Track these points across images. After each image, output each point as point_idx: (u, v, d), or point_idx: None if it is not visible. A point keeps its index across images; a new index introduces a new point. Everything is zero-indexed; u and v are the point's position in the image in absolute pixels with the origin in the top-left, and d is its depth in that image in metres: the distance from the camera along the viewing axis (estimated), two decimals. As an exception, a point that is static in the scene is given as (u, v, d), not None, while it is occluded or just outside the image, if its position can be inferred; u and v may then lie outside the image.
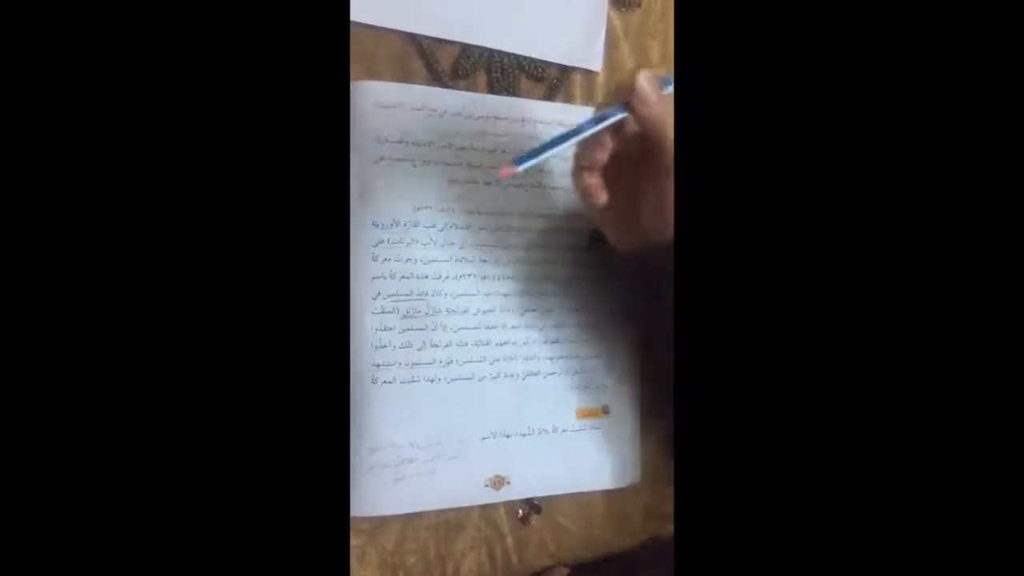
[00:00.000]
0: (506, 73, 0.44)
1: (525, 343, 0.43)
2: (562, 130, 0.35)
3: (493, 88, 0.43)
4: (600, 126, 0.34)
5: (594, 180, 0.35)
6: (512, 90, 0.44)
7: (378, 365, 0.39)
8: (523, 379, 0.43)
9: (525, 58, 0.44)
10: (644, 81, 0.33)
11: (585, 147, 0.35)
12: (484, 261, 0.42)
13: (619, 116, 0.34)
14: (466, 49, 0.43)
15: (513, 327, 0.43)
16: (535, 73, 0.45)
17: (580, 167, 0.36)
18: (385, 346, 0.39)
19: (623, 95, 0.34)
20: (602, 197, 0.35)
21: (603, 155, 0.35)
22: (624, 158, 0.36)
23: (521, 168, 0.34)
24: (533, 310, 0.43)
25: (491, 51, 0.43)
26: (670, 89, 0.34)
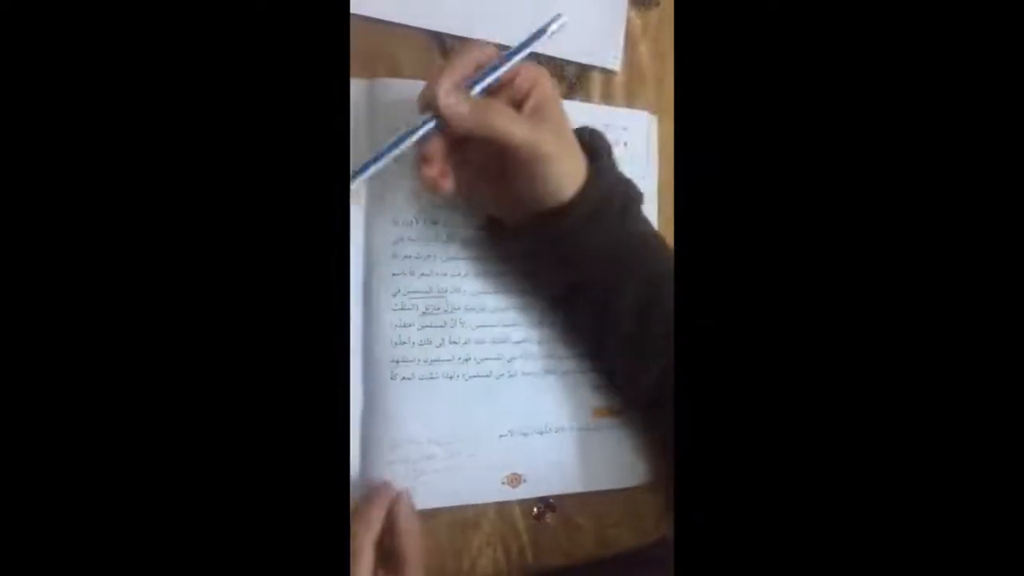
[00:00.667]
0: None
1: (543, 341, 0.43)
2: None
3: (513, 86, 0.44)
4: (407, 142, 0.32)
5: (432, 171, 0.33)
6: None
7: (397, 362, 0.39)
8: (541, 377, 0.43)
9: (544, 56, 0.44)
10: (445, 98, 0.31)
11: (420, 141, 0.34)
12: (502, 259, 0.42)
13: (427, 128, 0.33)
14: (487, 47, 0.43)
15: (531, 325, 0.43)
16: (554, 72, 0.44)
17: (418, 160, 0.34)
18: (404, 343, 0.39)
19: (428, 107, 0.32)
20: (445, 186, 0.34)
21: (436, 147, 0.33)
22: (471, 141, 0.35)
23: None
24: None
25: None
26: (482, 85, 0.33)
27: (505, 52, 0.34)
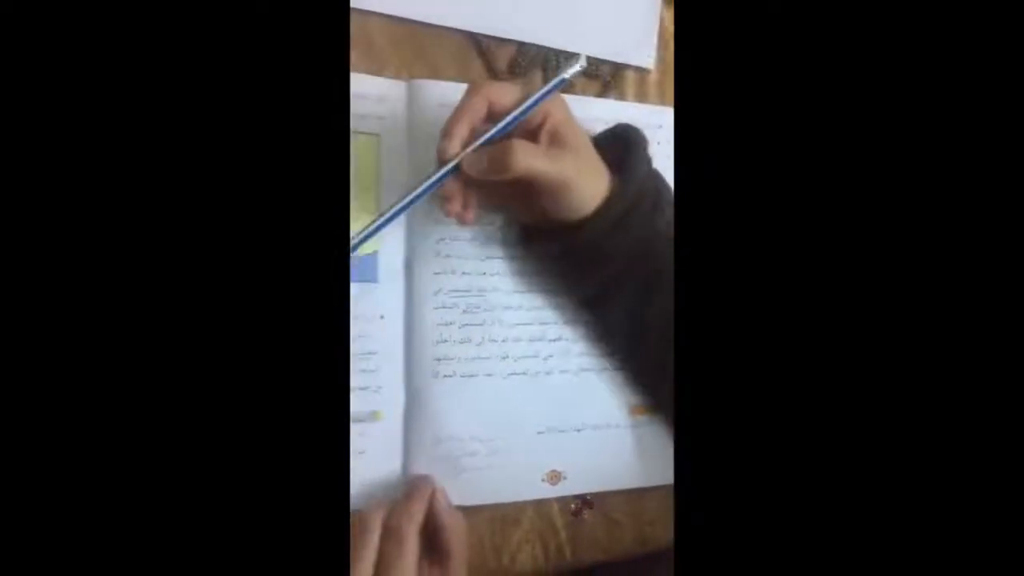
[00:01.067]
0: (561, 71, 0.44)
1: (579, 339, 0.43)
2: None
3: (549, 86, 0.44)
4: (432, 189, 0.34)
5: (455, 207, 0.36)
6: (567, 88, 0.44)
7: (439, 359, 0.40)
8: (577, 375, 0.43)
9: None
10: (465, 160, 0.33)
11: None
12: (534, 260, 0.42)
13: (448, 170, 0.34)
14: (523, 48, 0.43)
15: (567, 323, 0.43)
16: (589, 71, 0.45)
17: (440, 197, 0.36)
18: (446, 341, 0.40)
19: (447, 160, 0.34)
20: (469, 218, 0.36)
21: (455, 186, 0.35)
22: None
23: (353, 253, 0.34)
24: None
25: (547, 49, 0.44)
26: (504, 130, 0.34)
27: (525, 98, 0.34)
